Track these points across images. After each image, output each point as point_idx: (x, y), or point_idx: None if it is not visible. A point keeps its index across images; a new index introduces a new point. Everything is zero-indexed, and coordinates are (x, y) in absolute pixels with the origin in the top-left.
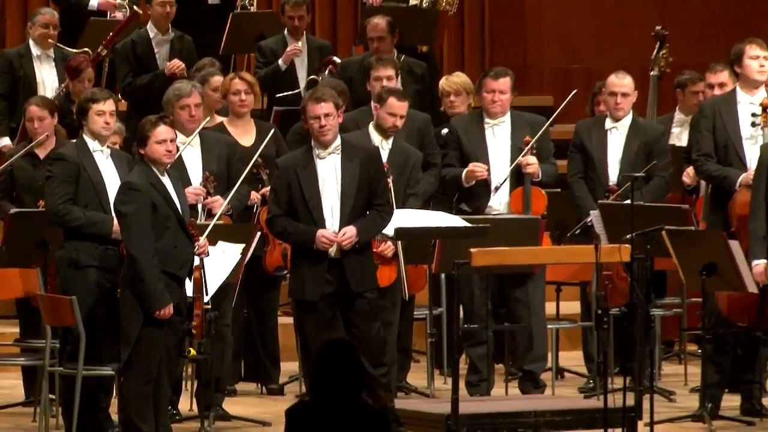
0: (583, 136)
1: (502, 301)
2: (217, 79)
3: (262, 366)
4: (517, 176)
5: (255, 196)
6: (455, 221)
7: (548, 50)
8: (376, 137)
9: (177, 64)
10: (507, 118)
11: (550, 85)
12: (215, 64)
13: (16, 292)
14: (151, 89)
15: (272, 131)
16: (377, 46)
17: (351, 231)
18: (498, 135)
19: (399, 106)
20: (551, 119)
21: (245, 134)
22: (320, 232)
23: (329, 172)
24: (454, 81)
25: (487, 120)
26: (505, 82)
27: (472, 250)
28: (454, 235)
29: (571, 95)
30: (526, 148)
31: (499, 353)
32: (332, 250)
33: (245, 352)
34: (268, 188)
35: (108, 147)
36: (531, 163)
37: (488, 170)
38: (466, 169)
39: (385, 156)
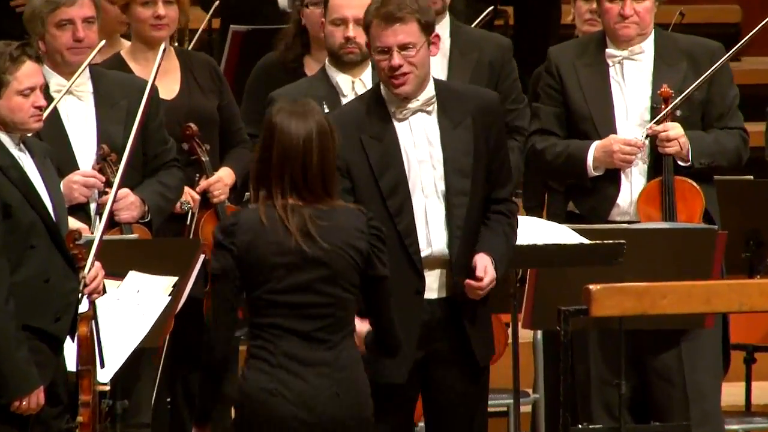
0: None
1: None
2: None
3: None
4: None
5: (189, 193)
6: (563, 235)
7: None
8: (342, 78)
9: None
10: (648, 46)
11: None
12: None
13: None
14: None
15: (215, 69)
16: None
17: (492, 268)
18: (630, 77)
19: (342, 3)
20: (736, 48)
21: (163, 77)
22: None
23: (418, 143)
24: None
25: (610, 51)
26: None
27: (591, 287)
28: (566, 260)
29: None
30: (664, 111)
31: None
32: (432, 290)
33: None
34: (213, 179)
35: None
36: (671, 138)
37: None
38: (598, 145)
39: None
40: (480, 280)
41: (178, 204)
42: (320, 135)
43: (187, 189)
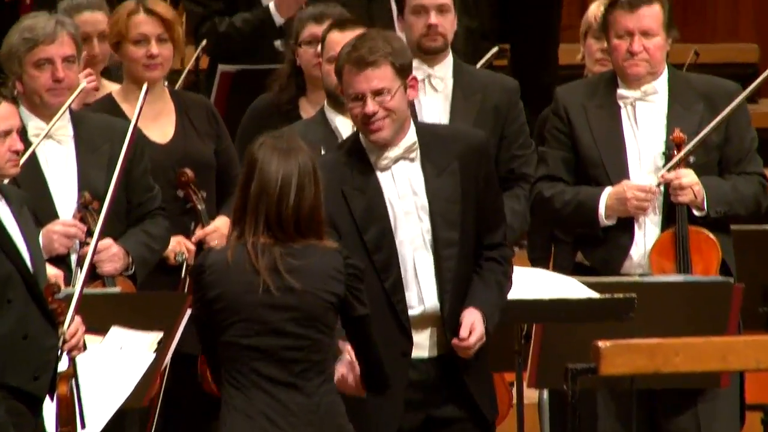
0: None
1: None
2: (95, 17)
3: None
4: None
5: (183, 244)
6: (571, 288)
7: None
8: (341, 121)
9: None
10: (662, 86)
11: (751, 25)
12: None
13: None
14: None
15: (213, 112)
16: None
17: (480, 325)
18: (643, 119)
19: (340, 41)
20: (751, 88)
21: (156, 119)
22: None
23: (402, 194)
24: None
25: (622, 91)
26: (651, 15)
27: (599, 343)
28: (573, 316)
29: None
30: (676, 157)
31: None
32: (423, 348)
33: None
34: (210, 228)
35: None
36: (684, 185)
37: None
38: (611, 192)
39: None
40: (464, 339)
41: (172, 255)
42: (301, 176)
43: (181, 239)
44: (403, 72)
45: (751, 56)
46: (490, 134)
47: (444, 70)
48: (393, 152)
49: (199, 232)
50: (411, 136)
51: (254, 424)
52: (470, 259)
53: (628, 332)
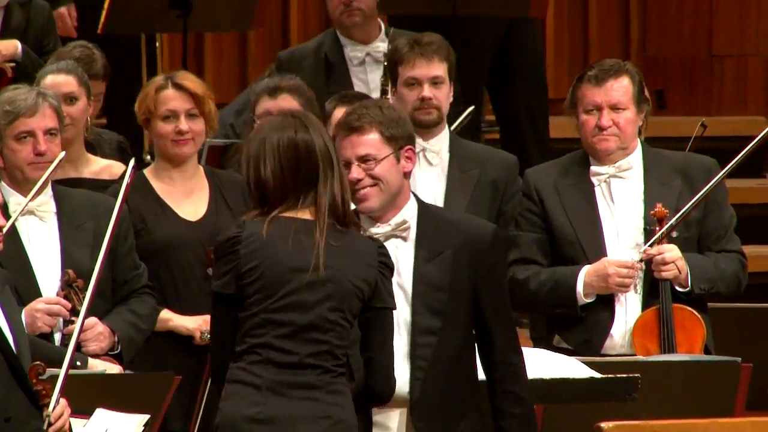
0: None
1: None
2: (53, 81)
3: None
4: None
5: (204, 323)
6: (572, 367)
7: (752, 33)
8: None
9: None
10: (636, 162)
11: (760, 98)
12: (92, 54)
13: None
14: None
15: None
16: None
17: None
18: (619, 196)
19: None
20: (733, 163)
21: (188, 196)
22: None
23: (401, 276)
24: None
25: (595, 168)
26: (620, 89)
27: (603, 425)
28: (575, 396)
29: None
30: (659, 232)
31: None
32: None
33: None
34: None
35: None
36: (668, 261)
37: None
38: (589, 269)
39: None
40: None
41: (198, 334)
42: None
43: (209, 318)
44: (395, 141)
45: (759, 129)
46: (488, 210)
47: (439, 143)
48: (382, 229)
49: None
50: (404, 214)
51: (248, 391)
52: (454, 351)
53: (631, 413)
